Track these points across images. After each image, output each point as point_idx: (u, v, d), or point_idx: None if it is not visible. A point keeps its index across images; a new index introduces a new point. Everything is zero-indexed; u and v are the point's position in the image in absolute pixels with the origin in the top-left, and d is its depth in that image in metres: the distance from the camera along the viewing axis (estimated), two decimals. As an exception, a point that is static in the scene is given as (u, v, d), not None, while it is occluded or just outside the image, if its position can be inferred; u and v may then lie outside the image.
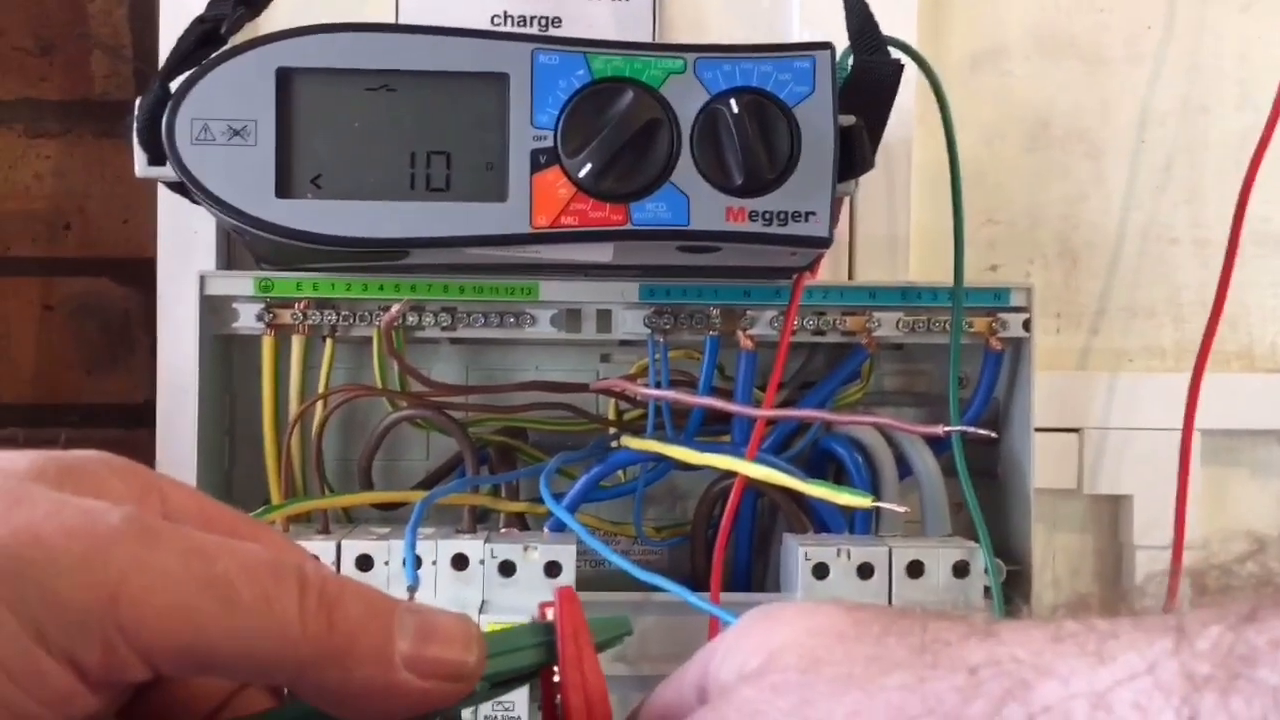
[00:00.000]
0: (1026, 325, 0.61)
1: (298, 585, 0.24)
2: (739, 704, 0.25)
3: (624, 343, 0.63)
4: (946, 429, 0.45)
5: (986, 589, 0.56)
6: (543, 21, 0.64)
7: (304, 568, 0.24)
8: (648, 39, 0.65)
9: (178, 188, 0.51)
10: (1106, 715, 0.20)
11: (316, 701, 0.25)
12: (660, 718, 0.28)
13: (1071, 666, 0.21)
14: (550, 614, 0.28)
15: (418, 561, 0.54)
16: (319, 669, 0.24)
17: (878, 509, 0.58)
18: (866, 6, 0.55)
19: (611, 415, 0.64)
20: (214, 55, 0.49)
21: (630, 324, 0.59)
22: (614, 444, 0.60)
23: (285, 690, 0.28)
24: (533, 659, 0.28)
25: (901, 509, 0.47)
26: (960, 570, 0.56)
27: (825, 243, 0.50)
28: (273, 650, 0.23)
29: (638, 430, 0.61)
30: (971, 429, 0.45)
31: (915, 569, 0.56)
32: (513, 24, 0.64)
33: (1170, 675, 0.20)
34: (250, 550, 0.24)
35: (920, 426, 0.48)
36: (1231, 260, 0.65)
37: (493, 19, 0.64)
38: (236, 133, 0.48)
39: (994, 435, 0.45)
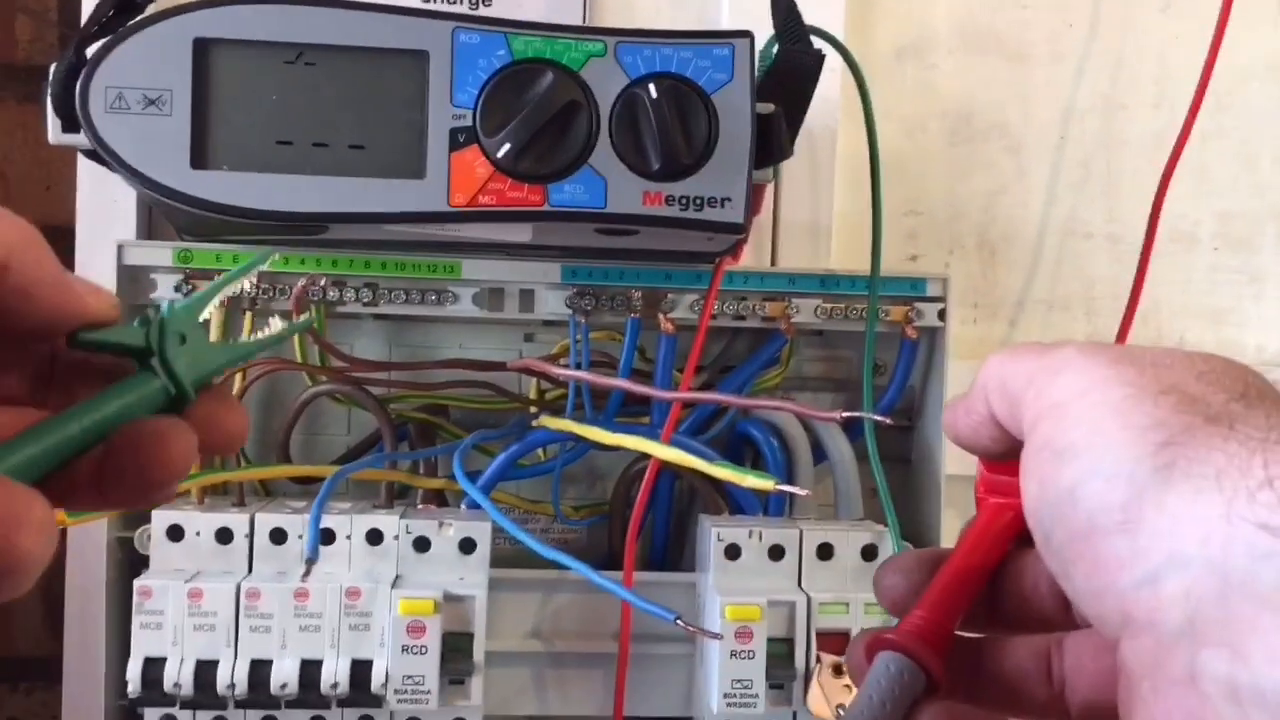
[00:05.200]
0: (941, 315, 0.62)
1: None
2: (1062, 345, 0.31)
3: (547, 323, 0.63)
4: (845, 414, 0.46)
5: (894, 572, 0.58)
6: (473, 0, 0.64)
7: None
8: (577, 22, 0.65)
9: (93, 155, 0.50)
10: None
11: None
12: None
13: None
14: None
15: (330, 535, 0.55)
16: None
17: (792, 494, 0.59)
18: (790, -4, 0.56)
19: (533, 394, 0.64)
20: (131, 23, 0.48)
21: (552, 304, 0.60)
22: (534, 423, 0.61)
23: None
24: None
25: (804, 492, 0.48)
26: (869, 553, 0.57)
27: (740, 229, 0.51)
28: None
29: (558, 410, 0.62)
30: (871, 415, 0.46)
31: (825, 551, 0.57)
32: (443, 1, 0.64)
33: None
34: None
35: (821, 412, 0.49)
36: (1147, 257, 0.66)
37: (423, -5, 0.64)
38: (152, 102, 0.47)
39: (889, 421, 0.46)
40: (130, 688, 0.52)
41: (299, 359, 0.60)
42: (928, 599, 0.32)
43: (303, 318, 0.34)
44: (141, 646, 0.53)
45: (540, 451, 0.63)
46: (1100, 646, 0.32)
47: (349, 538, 0.55)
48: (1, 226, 0.27)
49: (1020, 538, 0.33)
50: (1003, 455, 0.33)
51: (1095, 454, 0.27)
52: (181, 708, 0.53)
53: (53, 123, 0.49)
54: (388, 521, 0.55)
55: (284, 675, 0.53)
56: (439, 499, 0.61)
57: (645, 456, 0.58)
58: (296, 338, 0.59)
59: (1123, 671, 0.27)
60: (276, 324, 0.33)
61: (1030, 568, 0.33)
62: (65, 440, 0.28)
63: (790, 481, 0.60)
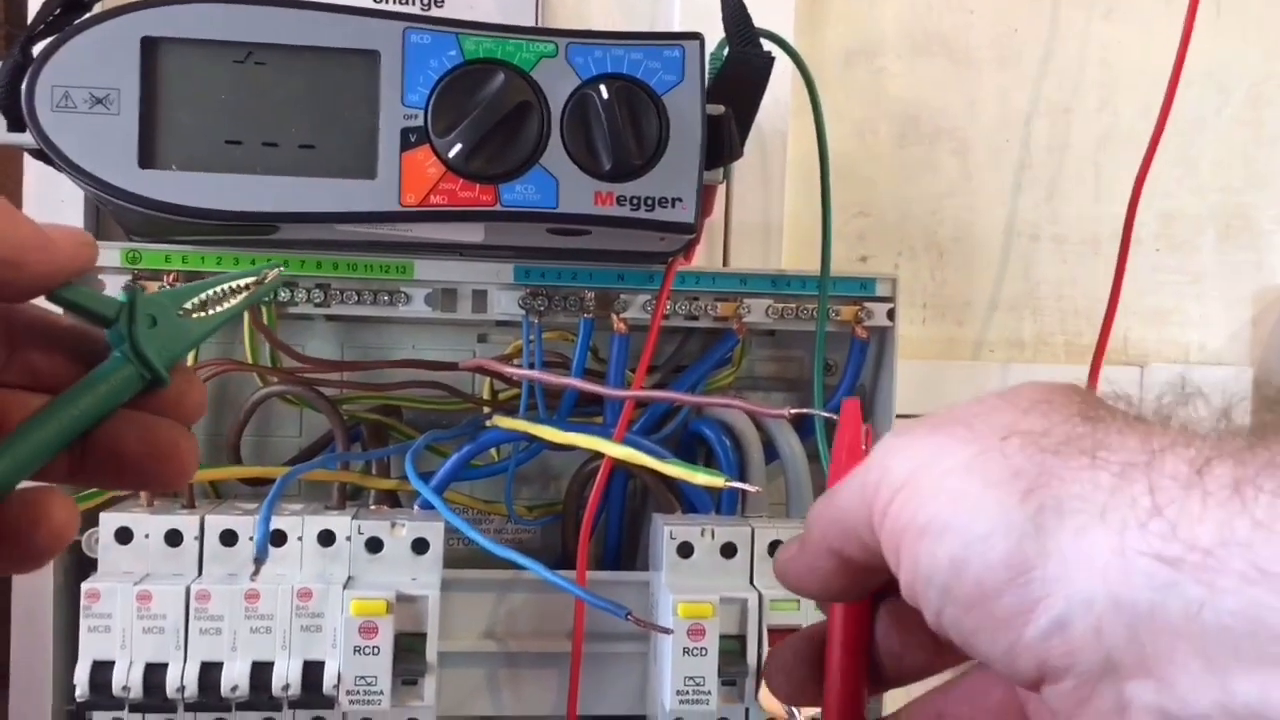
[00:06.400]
0: (891, 315, 0.63)
1: None
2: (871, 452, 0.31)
3: (501, 323, 0.63)
4: (794, 411, 0.47)
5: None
6: (425, 0, 0.64)
7: None
8: (529, 24, 0.65)
9: (39, 155, 0.50)
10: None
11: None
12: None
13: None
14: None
15: (281, 537, 0.54)
16: None
17: (743, 491, 0.60)
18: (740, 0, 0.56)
19: (486, 395, 0.64)
20: (78, 21, 0.48)
21: (505, 305, 0.60)
22: (487, 423, 0.61)
23: None
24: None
25: (754, 489, 0.49)
26: (819, 550, 0.58)
27: (691, 228, 0.51)
28: None
29: (512, 410, 0.62)
30: (821, 412, 0.47)
31: (777, 549, 0.58)
32: (394, 1, 0.64)
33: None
34: None
35: (771, 409, 0.50)
36: (1124, 258, 0.67)
37: (374, -4, 0.64)
38: (99, 101, 0.47)
39: (834, 417, 0.46)
40: (78, 691, 0.52)
41: (250, 359, 0.60)
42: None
43: (271, 276, 0.35)
44: (90, 650, 0.52)
45: (493, 452, 0.63)
46: (990, 681, 0.32)
47: (300, 539, 0.55)
48: None
49: (876, 602, 0.34)
50: (860, 596, 0.33)
51: (963, 521, 0.26)
52: (130, 711, 0.52)
53: (-2, 122, 0.49)
54: (339, 522, 0.55)
55: (235, 677, 0.52)
56: (391, 500, 0.61)
57: (598, 456, 0.59)
58: (248, 339, 0.59)
59: (1043, 713, 0.28)
60: (235, 301, 0.34)
61: (895, 625, 0.34)
62: (46, 443, 0.29)
63: (742, 479, 0.60)
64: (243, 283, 0.34)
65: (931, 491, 0.27)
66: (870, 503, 0.29)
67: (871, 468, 0.30)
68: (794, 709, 0.54)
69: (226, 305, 0.33)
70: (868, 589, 0.32)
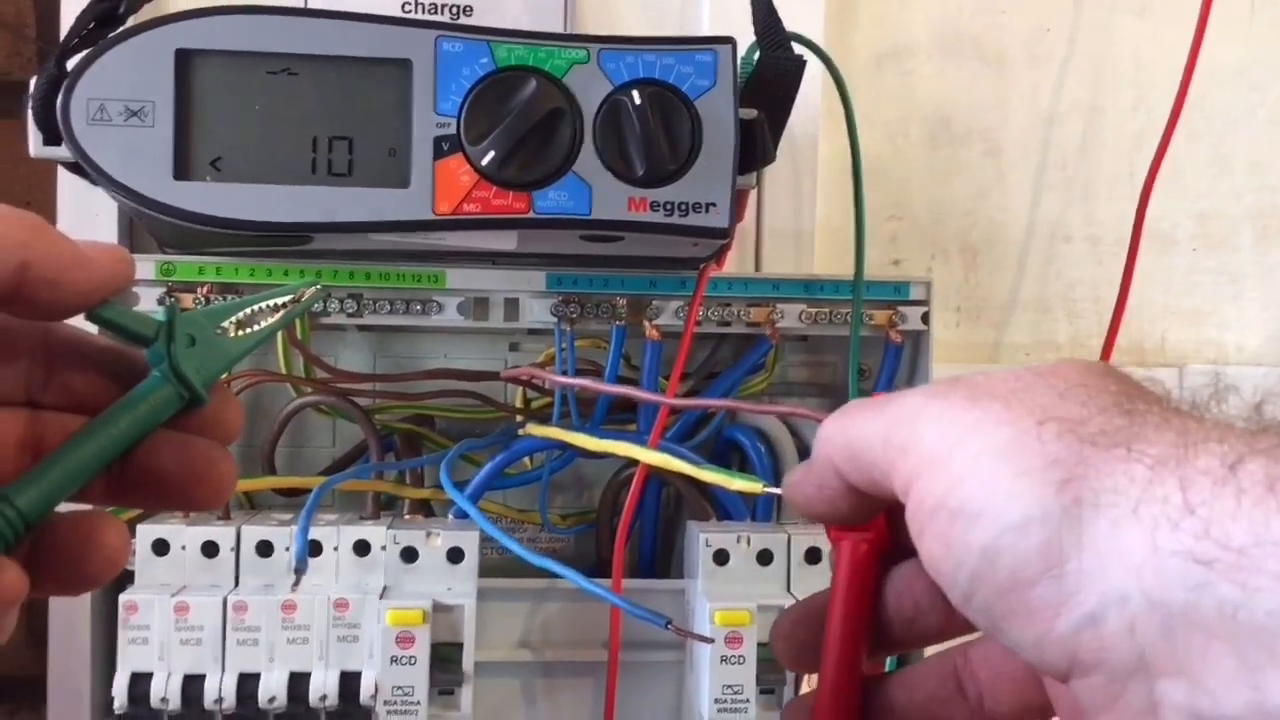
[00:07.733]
0: (925, 318, 0.62)
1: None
2: (900, 394, 0.30)
3: (532, 331, 0.63)
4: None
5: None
6: (454, 10, 0.64)
7: None
8: (558, 30, 0.65)
9: (74, 168, 0.50)
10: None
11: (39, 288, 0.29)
12: None
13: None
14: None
15: (317, 547, 0.54)
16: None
17: (779, 497, 0.60)
18: (770, 3, 0.56)
19: (519, 403, 0.64)
20: (112, 35, 0.48)
21: (537, 313, 0.60)
22: (520, 431, 0.61)
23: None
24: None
25: (792, 495, 0.48)
26: (857, 556, 0.57)
27: (725, 234, 0.51)
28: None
29: (545, 418, 0.61)
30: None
31: (813, 555, 0.57)
32: (423, 11, 0.64)
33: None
34: None
35: (808, 411, 0.49)
36: (1133, 259, 0.67)
37: (403, 6, 0.64)
38: (134, 113, 0.47)
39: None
40: (116, 704, 0.52)
41: (283, 370, 0.60)
42: (825, 675, 0.33)
43: (308, 294, 0.35)
44: (128, 662, 0.52)
45: (527, 460, 0.63)
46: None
47: (336, 549, 0.55)
48: (11, 225, 0.27)
49: (884, 563, 0.33)
50: (866, 519, 0.33)
51: (998, 508, 0.26)
52: (169, 723, 0.53)
53: (34, 136, 0.49)
54: (375, 532, 0.55)
55: (272, 688, 0.52)
56: (426, 509, 0.61)
57: (632, 463, 0.58)
58: (281, 350, 0.59)
59: (1072, 706, 0.27)
60: (272, 319, 0.34)
61: (906, 589, 0.33)
62: (86, 464, 0.29)
63: (778, 486, 0.60)
64: (280, 300, 0.34)
65: (963, 473, 0.27)
66: (893, 460, 0.29)
67: (900, 421, 0.29)
68: None
69: (264, 323, 0.33)
70: (873, 513, 0.32)
